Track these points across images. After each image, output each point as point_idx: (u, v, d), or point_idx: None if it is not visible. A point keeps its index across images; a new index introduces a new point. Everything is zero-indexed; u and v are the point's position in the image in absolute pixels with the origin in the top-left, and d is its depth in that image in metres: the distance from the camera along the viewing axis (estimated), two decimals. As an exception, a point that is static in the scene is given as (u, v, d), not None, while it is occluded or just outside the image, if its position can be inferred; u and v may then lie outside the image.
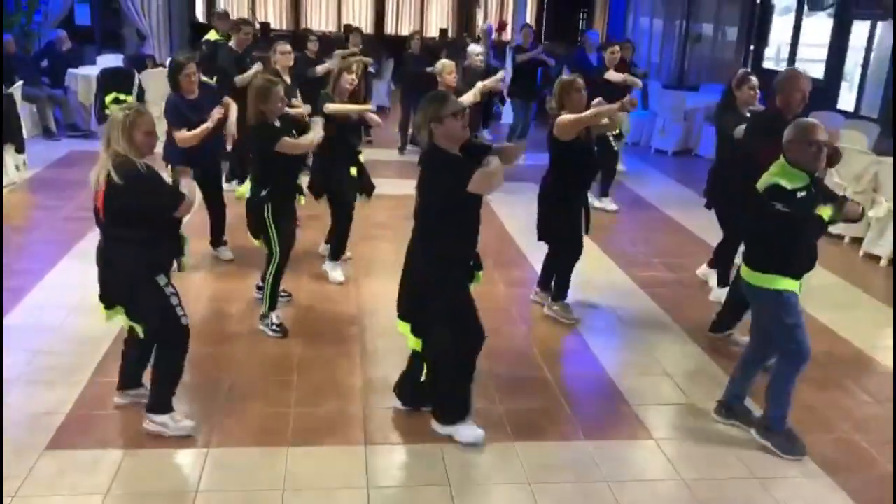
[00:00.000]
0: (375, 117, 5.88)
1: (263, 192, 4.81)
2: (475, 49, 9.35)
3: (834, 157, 4.39)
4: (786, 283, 3.78)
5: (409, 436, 3.93)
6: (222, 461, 3.64)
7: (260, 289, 5.24)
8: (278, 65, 7.07)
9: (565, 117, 4.99)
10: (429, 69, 10.29)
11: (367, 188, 6.05)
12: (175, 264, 3.79)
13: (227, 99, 5.99)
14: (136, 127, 3.46)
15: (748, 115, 5.40)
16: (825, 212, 3.70)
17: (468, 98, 6.40)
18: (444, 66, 7.23)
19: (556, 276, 5.46)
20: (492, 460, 3.76)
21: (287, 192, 4.96)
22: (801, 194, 3.63)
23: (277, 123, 4.82)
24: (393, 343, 4.88)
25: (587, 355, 4.98)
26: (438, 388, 3.86)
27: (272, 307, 4.97)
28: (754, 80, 5.48)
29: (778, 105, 4.82)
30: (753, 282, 3.87)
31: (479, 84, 6.86)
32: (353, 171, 5.79)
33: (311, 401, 4.20)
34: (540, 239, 5.40)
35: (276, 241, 4.87)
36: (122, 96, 10.15)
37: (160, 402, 3.77)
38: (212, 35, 8.89)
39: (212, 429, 3.87)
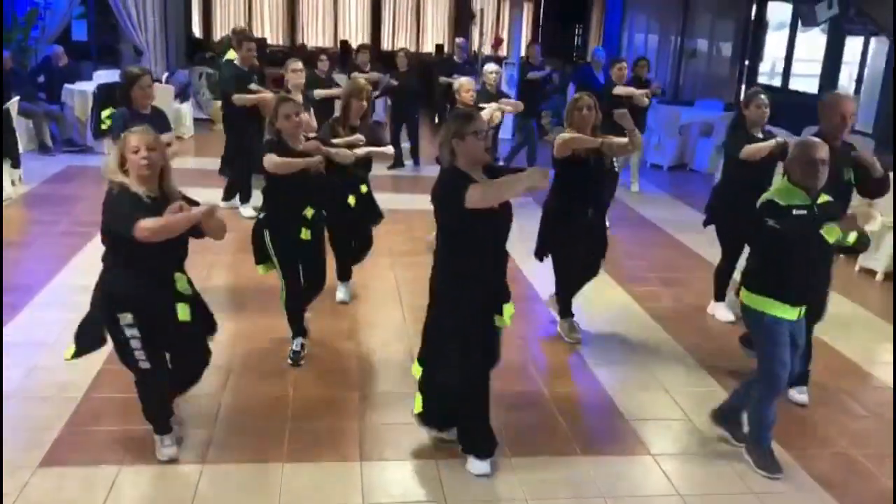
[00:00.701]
0: (390, 149, 5.62)
1: (261, 215, 4.70)
2: (490, 67, 8.68)
3: (880, 189, 4.42)
4: (776, 309, 3.73)
5: (406, 452, 3.91)
6: (217, 477, 3.62)
7: None
8: (290, 83, 6.98)
9: (560, 136, 5.01)
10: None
11: (374, 217, 5.82)
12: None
13: (171, 135, 5.74)
14: (128, 149, 3.37)
15: (760, 136, 5.28)
16: (831, 233, 3.52)
17: (487, 115, 6.32)
18: (462, 85, 7.09)
19: (557, 291, 5.46)
20: (488, 476, 3.74)
21: (287, 219, 4.63)
22: (797, 213, 3.61)
23: (301, 146, 4.58)
24: (389, 357, 4.88)
25: (584, 370, 4.98)
26: (459, 410, 3.80)
27: (295, 333, 4.81)
28: (763, 97, 5.30)
29: (821, 129, 4.45)
30: (746, 301, 3.86)
31: (496, 105, 6.75)
32: (352, 200, 5.51)
33: (306, 416, 4.18)
34: (536, 255, 5.38)
35: (278, 269, 4.70)
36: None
37: (150, 423, 3.73)
38: (231, 55, 8.79)
39: (207, 445, 3.86)
